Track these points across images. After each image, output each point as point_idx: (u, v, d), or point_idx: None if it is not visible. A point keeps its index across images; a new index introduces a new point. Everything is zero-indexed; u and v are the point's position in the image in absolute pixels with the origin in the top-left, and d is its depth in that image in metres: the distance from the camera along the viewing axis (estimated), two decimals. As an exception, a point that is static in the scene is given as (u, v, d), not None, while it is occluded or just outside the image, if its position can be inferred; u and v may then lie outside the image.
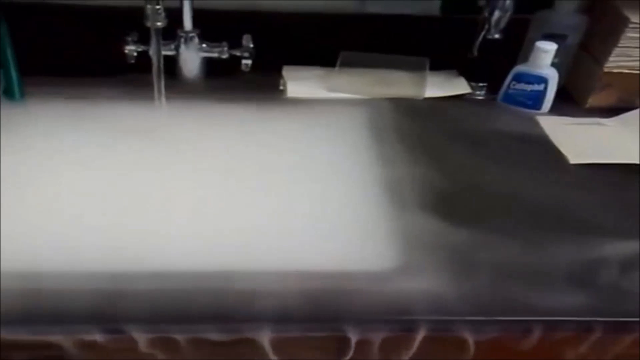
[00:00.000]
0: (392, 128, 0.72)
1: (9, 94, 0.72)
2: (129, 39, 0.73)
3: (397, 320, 0.48)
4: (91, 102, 0.72)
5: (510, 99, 0.78)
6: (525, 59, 0.77)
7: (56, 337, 0.46)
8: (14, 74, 0.71)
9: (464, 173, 0.65)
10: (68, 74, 0.73)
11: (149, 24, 0.64)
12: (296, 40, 0.79)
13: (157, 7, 0.63)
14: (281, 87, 0.78)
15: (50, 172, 0.62)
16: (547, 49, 0.73)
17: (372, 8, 0.76)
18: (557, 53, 0.74)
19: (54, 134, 0.68)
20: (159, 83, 0.67)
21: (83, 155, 0.65)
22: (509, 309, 0.49)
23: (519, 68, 0.77)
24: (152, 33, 0.65)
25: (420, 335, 0.49)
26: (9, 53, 0.70)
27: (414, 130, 0.72)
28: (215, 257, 0.52)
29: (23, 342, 0.46)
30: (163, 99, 0.68)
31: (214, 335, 0.47)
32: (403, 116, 0.74)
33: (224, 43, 0.75)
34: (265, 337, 0.48)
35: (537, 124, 0.75)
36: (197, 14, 0.72)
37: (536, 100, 0.77)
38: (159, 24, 0.64)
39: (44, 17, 0.77)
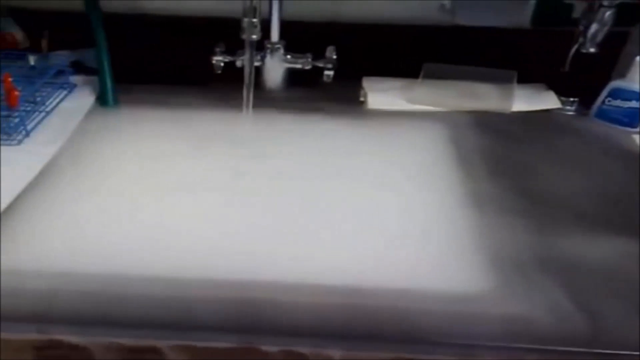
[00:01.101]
0: (476, 142, 0.70)
1: (103, 100, 0.76)
2: (217, 49, 0.75)
3: (489, 346, 0.46)
4: (181, 110, 0.75)
5: (604, 115, 0.74)
6: (621, 74, 0.73)
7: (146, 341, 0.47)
8: (108, 81, 0.74)
9: (554, 191, 0.62)
10: (158, 82, 0.77)
11: (244, 36, 0.66)
12: (378, 51, 0.78)
13: (254, 20, 0.65)
14: (362, 99, 0.78)
15: (139, 178, 0.64)
16: (648, 65, 0.69)
17: (462, 20, 0.74)
18: (659, 68, 0.70)
19: (144, 140, 0.70)
20: (249, 93, 0.68)
21: (171, 162, 0.66)
22: (611, 340, 0.45)
23: (616, 84, 0.72)
24: (247, 45, 0.66)
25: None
26: (105, 61, 0.73)
27: (500, 144, 0.69)
28: (294, 269, 0.52)
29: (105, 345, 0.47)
30: (250, 108, 0.69)
31: (300, 349, 0.46)
32: (488, 130, 0.72)
33: (308, 54, 0.76)
34: (339, 354, 0.46)
35: (634, 143, 0.70)
36: (281, 25, 0.73)
37: (633, 117, 0.72)
38: (254, 36, 0.66)
39: (137, 27, 0.80)
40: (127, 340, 0.46)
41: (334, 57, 0.75)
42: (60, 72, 0.76)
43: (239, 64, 0.75)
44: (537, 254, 0.53)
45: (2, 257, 0.52)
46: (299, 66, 0.76)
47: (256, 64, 0.74)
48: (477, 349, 0.45)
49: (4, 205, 0.59)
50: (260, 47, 0.74)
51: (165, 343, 0.46)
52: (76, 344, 0.46)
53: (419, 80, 0.77)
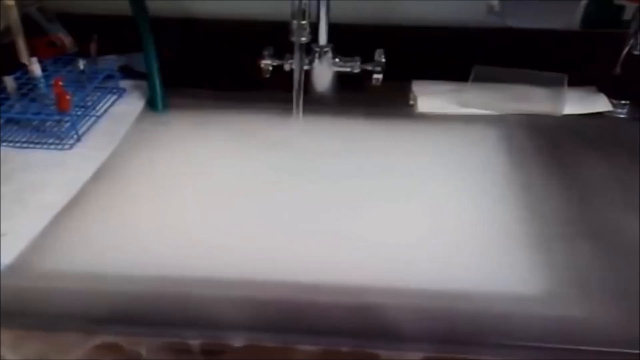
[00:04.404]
0: (528, 145, 0.70)
1: (152, 105, 0.75)
2: (266, 53, 0.75)
3: (540, 347, 0.46)
4: (229, 113, 0.75)
5: (657, 117, 0.74)
6: (674, 76, 0.72)
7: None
8: (158, 86, 0.74)
9: (608, 198, 0.61)
10: (206, 86, 0.77)
11: (293, 38, 0.66)
12: (427, 54, 0.78)
13: (303, 22, 0.65)
14: (411, 102, 0.78)
15: (188, 182, 0.64)
16: None
17: (511, 22, 0.74)
18: None
19: (193, 144, 0.70)
20: (298, 97, 0.68)
21: (221, 166, 0.67)
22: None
23: (669, 85, 0.72)
24: (296, 48, 0.66)
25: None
26: (154, 66, 0.73)
27: (552, 148, 0.69)
28: (346, 272, 0.52)
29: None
30: (300, 112, 0.69)
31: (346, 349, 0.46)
32: (539, 133, 0.71)
33: (357, 57, 0.75)
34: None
35: (688, 146, 0.70)
36: (330, 28, 0.73)
37: (687, 119, 0.72)
38: (303, 39, 0.65)
39: (185, 31, 0.80)
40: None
41: (383, 60, 0.75)
42: (109, 77, 0.76)
43: (287, 67, 0.74)
44: (589, 260, 0.53)
45: (52, 259, 0.53)
46: (347, 69, 0.76)
47: (305, 67, 0.74)
48: (532, 350, 0.46)
49: (58, 209, 0.59)
50: (309, 50, 0.74)
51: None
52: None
53: (469, 83, 0.77)
